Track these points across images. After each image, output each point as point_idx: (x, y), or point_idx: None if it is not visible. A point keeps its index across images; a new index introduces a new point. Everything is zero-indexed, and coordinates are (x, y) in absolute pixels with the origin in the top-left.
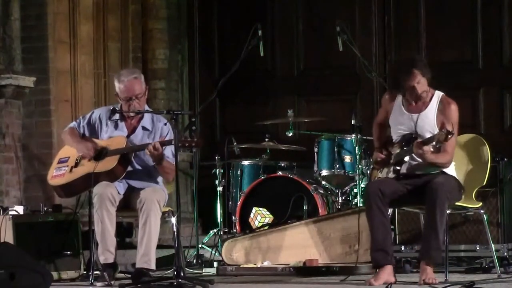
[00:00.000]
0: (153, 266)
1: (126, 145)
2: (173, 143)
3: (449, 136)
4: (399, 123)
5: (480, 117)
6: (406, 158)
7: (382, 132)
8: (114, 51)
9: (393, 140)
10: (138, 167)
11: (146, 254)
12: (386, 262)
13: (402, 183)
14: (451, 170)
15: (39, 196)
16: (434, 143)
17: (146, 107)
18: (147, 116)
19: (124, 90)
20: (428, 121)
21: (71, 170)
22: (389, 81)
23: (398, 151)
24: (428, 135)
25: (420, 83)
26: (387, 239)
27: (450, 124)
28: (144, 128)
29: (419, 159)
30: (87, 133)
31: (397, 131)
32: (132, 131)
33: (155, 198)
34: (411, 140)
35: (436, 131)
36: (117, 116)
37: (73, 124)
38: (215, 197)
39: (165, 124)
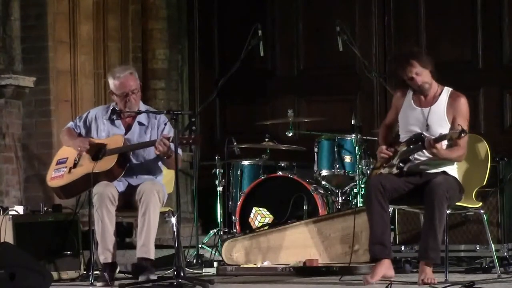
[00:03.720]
0: (153, 256)
1: (124, 144)
2: (171, 140)
3: (463, 135)
4: (409, 118)
5: (480, 117)
6: (411, 157)
7: (389, 134)
8: (114, 51)
9: (400, 139)
10: (137, 166)
11: (146, 245)
12: (383, 255)
13: (404, 181)
14: (453, 170)
15: (39, 196)
16: (446, 141)
17: (141, 104)
18: (141, 109)
19: (120, 86)
20: (439, 114)
21: (70, 171)
22: (390, 74)
23: (404, 149)
24: (438, 129)
25: (420, 74)
26: (386, 233)
27: (462, 120)
28: (140, 124)
29: (422, 158)
30: (83, 133)
31: (406, 127)
32: (128, 127)
33: (154, 189)
34: (419, 139)
35: (447, 124)
36: (116, 116)
37: (70, 124)
38: (215, 197)
39: (165, 124)
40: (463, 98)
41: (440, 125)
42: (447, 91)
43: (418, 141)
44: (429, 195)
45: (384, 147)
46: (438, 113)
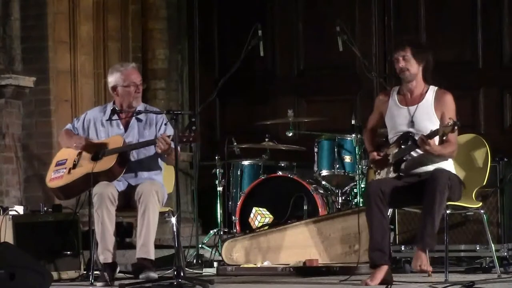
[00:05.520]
0: (152, 257)
1: (123, 144)
2: (171, 138)
3: (456, 128)
4: (397, 118)
5: (480, 117)
6: (405, 157)
7: (374, 137)
8: (114, 51)
9: (389, 140)
10: (137, 163)
11: (145, 245)
12: (382, 262)
13: (402, 182)
14: (450, 169)
15: (39, 196)
16: (439, 135)
17: (142, 103)
18: (139, 108)
19: (126, 78)
20: (426, 111)
21: (69, 172)
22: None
23: (396, 150)
24: (425, 124)
25: (406, 60)
26: (385, 239)
27: (451, 114)
28: (138, 120)
29: (417, 156)
30: (81, 135)
31: (394, 128)
32: (126, 125)
33: (153, 189)
34: (409, 138)
35: (436, 120)
36: (117, 116)
37: (68, 126)
38: (215, 197)
39: (165, 124)
40: (449, 95)
41: (429, 120)
42: (432, 89)
43: (407, 140)
44: (432, 182)
45: (375, 153)
46: (426, 110)
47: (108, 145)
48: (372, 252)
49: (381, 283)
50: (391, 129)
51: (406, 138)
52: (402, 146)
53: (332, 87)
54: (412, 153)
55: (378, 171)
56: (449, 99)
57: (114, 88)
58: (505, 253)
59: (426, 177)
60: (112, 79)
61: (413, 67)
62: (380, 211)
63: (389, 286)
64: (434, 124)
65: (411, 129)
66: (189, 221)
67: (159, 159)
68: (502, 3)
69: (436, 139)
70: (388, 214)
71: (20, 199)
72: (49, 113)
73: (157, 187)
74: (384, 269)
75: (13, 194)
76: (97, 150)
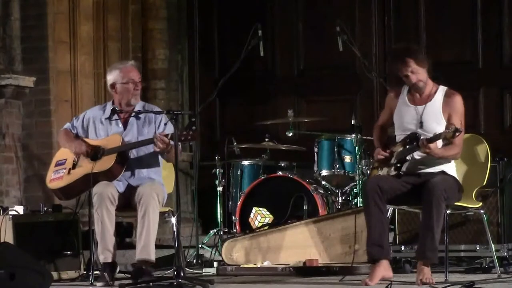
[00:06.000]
0: (153, 258)
1: (121, 143)
2: (169, 137)
3: (457, 134)
4: (405, 117)
5: (480, 117)
6: (408, 157)
7: (383, 134)
8: (114, 51)
9: (396, 139)
10: (136, 161)
11: (146, 246)
12: (381, 256)
13: (401, 181)
14: (451, 170)
15: (39, 196)
16: (441, 140)
17: (140, 101)
18: (138, 106)
19: (125, 75)
20: (434, 112)
21: (69, 172)
22: (388, 68)
23: (400, 149)
24: (433, 126)
25: (415, 72)
26: (384, 235)
27: (458, 118)
28: (137, 117)
29: (418, 157)
30: (81, 134)
31: (402, 126)
32: (125, 123)
33: (153, 191)
34: (415, 139)
35: (442, 122)
36: (117, 115)
37: (67, 125)
38: (215, 197)
39: (165, 124)
40: (458, 96)
41: (436, 122)
42: (442, 89)
43: (413, 141)
44: (427, 195)
45: (380, 150)
46: (434, 110)
47: (107, 145)
48: (370, 248)
49: (381, 279)
50: (398, 128)
51: (412, 138)
52: (407, 146)
53: (332, 87)
54: (416, 154)
55: (381, 166)
56: (457, 101)
57: (113, 85)
58: (505, 253)
59: (425, 178)
60: (111, 76)
61: (423, 75)
62: (378, 207)
63: (389, 286)
64: (441, 126)
65: (419, 130)
66: (189, 221)
67: (158, 157)
68: (502, 3)
69: (440, 141)
70: (388, 214)
71: (20, 199)
72: (49, 113)
73: (157, 189)
74: (383, 264)
75: (13, 194)
76: (95, 150)
